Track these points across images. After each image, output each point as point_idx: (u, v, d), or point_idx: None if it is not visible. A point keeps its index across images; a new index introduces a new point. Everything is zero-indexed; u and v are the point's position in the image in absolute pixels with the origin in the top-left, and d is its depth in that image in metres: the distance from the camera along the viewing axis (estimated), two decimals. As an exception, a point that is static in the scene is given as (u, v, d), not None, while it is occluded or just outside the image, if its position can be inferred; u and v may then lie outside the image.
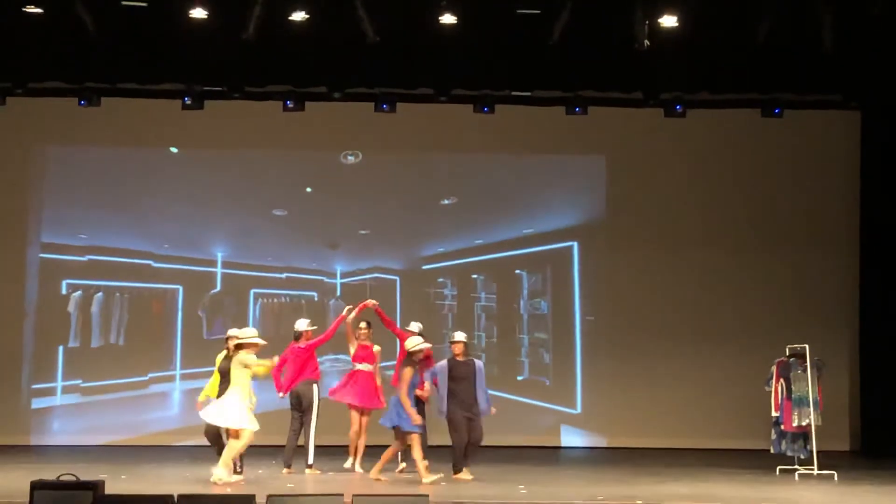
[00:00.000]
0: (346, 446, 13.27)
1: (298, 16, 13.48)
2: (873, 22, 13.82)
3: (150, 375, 16.77)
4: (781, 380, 13.63)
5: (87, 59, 14.86)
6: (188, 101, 15.83)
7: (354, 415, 13.18)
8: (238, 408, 11.65)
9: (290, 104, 15.95)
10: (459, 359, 12.52)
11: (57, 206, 16.89)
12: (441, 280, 17.40)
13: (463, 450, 12.36)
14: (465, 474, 12.34)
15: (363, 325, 13.40)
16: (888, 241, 16.34)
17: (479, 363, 12.61)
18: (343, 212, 17.22)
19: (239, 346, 11.83)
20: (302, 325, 13.15)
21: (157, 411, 16.78)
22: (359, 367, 13.23)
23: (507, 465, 13.64)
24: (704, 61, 14.88)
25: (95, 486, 8.61)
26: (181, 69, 15.17)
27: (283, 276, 17.19)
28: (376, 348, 13.42)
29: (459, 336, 12.69)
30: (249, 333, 12.00)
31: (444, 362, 12.52)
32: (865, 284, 16.68)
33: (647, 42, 13.44)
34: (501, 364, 17.11)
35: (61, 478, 8.85)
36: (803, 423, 13.39)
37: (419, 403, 12.47)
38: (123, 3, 13.82)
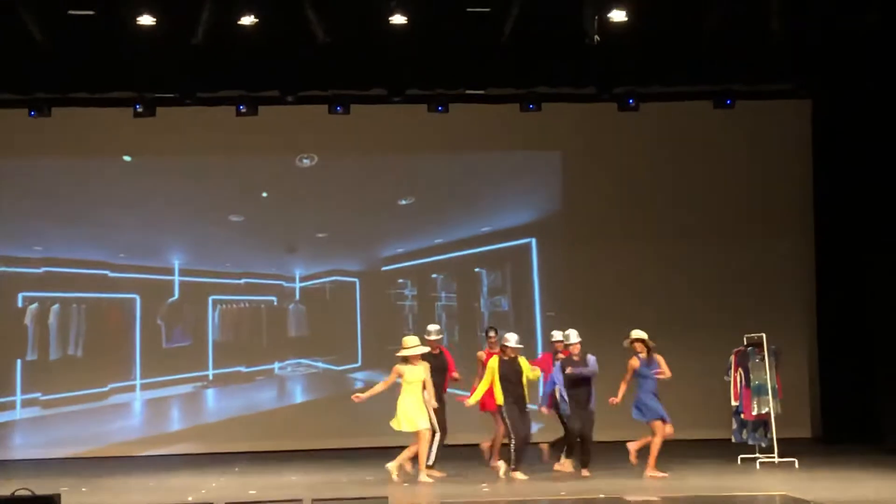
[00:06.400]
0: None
1: (247, 20, 13.40)
2: (821, 9, 13.93)
3: (111, 386, 16.62)
4: (740, 369, 13.72)
5: (36, 70, 14.70)
6: (140, 108, 15.66)
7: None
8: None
9: (242, 109, 15.83)
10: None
11: (10, 219, 16.72)
12: (401, 281, 17.37)
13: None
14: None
15: (492, 333, 13.83)
16: (842, 227, 16.44)
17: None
18: (300, 215, 17.16)
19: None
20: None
21: (118, 422, 16.61)
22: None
23: (469, 463, 13.65)
24: (655, 54, 14.95)
25: (52, 500, 8.54)
26: (132, 77, 15.01)
27: (242, 281, 17.09)
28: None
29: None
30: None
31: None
32: (821, 271, 16.78)
33: (597, 37, 13.45)
34: (463, 363, 17.04)
35: (17, 493, 8.76)
36: (763, 412, 13.47)
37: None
38: (70, 11, 13.70)
